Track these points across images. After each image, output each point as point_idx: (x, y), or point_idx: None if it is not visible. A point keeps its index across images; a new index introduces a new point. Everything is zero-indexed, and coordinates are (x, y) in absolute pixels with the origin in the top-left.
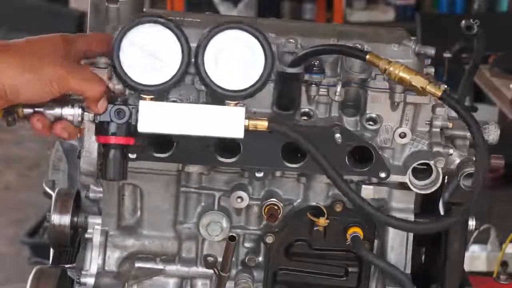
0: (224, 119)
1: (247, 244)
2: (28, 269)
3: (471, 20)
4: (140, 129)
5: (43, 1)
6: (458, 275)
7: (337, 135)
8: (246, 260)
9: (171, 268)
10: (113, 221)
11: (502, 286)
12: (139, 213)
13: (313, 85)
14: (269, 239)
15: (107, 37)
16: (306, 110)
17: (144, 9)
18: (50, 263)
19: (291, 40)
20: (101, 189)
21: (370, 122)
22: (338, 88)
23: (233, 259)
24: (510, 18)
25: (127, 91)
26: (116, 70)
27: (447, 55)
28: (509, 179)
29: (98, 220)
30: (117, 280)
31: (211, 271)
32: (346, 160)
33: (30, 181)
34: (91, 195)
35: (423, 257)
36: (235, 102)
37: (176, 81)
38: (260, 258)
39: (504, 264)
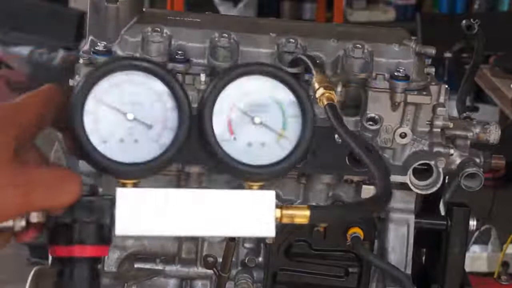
0: (243, 209)
1: (247, 245)
2: (28, 269)
3: (471, 20)
4: (119, 232)
5: (43, 1)
6: (458, 275)
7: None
8: (246, 261)
9: (171, 268)
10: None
11: (503, 287)
12: None
13: None
14: (269, 239)
15: (51, 92)
16: None
17: (144, 9)
18: (50, 263)
19: (291, 40)
20: (101, 189)
21: (371, 122)
22: (338, 88)
23: (233, 259)
24: (510, 18)
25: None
26: (81, 145)
27: (447, 55)
28: (510, 179)
29: None
30: (116, 280)
31: (211, 271)
32: (346, 160)
33: None
34: None
35: (423, 258)
36: (260, 183)
37: (172, 155)
38: (260, 259)
39: (505, 264)
